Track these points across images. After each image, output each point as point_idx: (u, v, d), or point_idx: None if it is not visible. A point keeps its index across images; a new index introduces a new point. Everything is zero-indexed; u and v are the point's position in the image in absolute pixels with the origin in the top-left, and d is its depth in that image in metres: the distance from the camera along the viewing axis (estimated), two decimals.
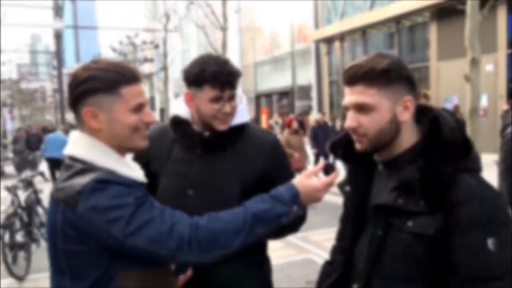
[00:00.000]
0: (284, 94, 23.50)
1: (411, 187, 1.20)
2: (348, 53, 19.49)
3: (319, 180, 1.39)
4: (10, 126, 33.53)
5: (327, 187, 1.39)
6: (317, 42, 20.48)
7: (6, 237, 5.31)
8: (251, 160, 1.74)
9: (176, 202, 1.63)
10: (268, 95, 25.17)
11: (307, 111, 21.07)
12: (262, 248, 1.83)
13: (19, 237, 5.49)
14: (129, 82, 1.32)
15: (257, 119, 25.56)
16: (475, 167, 1.25)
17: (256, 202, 1.34)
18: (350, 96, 1.28)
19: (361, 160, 1.39)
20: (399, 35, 16.48)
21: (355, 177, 1.43)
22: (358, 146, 1.31)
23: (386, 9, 15.89)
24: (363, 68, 1.25)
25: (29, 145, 16.01)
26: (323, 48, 20.43)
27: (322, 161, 9.06)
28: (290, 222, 1.36)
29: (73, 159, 1.31)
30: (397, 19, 15.98)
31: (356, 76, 1.26)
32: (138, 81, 1.34)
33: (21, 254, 5.40)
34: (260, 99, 25.69)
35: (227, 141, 1.74)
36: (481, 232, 1.14)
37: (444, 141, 1.22)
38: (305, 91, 22.00)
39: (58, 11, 16.64)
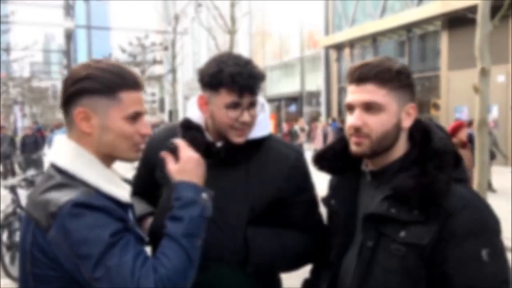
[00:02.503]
0: (293, 99, 23.42)
1: (405, 195, 1.17)
2: (358, 60, 19.11)
3: (180, 155, 1.31)
4: (21, 123, 33.86)
5: (188, 150, 1.33)
6: (327, 48, 20.39)
7: (4, 237, 5.28)
8: (265, 182, 1.50)
9: None
10: (277, 100, 25.11)
11: (315, 117, 20.97)
12: (274, 279, 1.63)
13: (18, 238, 5.45)
14: (129, 87, 1.22)
15: None
16: (464, 178, 1.25)
17: (173, 224, 1.22)
18: (359, 94, 1.23)
19: (346, 172, 1.37)
20: (410, 44, 16.34)
21: (340, 190, 1.39)
22: (355, 148, 1.25)
23: (397, 17, 15.78)
24: (377, 67, 1.22)
25: (23, 148, 13.94)
26: (333, 54, 20.34)
27: None
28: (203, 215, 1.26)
29: (55, 167, 1.21)
30: (408, 27, 15.85)
31: (369, 75, 1.22)
32: (139, 88, 1.25)
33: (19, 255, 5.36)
34: (269, 104, 25.62)
35: (241, 155, 1.50)
36: (476, 243, 1.13)
37: (437, 149, 1.22)
38: (313, 97, 21.91)
39: (68, 10, 16.76)
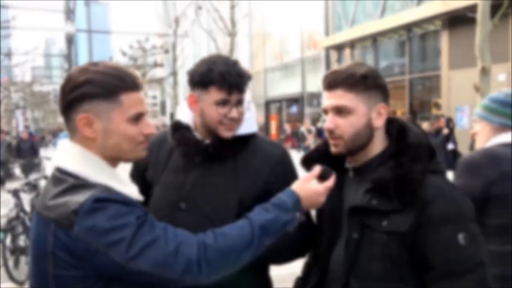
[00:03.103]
0: (294, 100, 23.42)
1: (384, 186, 1.27)
2: (359, 61, 19.31)
3: (319, 184, 1.37)
4: (23, 128, 33.92)
5: (328, 190, 1.36)
6: (327, 49, 20.39)
7: (8, 241, 5.29)
8: (253, 175, 1.58)
9: (167, 215, 1.53)
10: (278, 102, 25.12)
11: (316, 118, 20.98)
12: (264, 273, 1.68)
13: (21, 242, 5.46)
14: (129, 89, 1.22)
15: (266, 125, 25.51)
16: (439, 169, 1.35)
17: (260, 213, 1.27)
18: (330, 99, 1.37)
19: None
20: (410, 43, 16.33)
21: None
22: (333, 149, 1.39)
23: (397, 16, 15.77)
24: (343, 74, 1.34)
25: (19, 153, 13.46)
26: (333, 55, 20.34)
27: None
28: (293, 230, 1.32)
29: (63, 172, 1.20)
30: (408, 27, 15.84)
31: (337, 81, 1.34)
32: (138, 89, 1.25)
33: (23, 259, 5.37)
34: (270, 105, 25.65)
35: (228, 151, 1.58)
36: (452, 228, 1.22)
37: (411, 143, 1.32)
38: (315, 98, 21.92)
39: (69, 15, 16.81)
